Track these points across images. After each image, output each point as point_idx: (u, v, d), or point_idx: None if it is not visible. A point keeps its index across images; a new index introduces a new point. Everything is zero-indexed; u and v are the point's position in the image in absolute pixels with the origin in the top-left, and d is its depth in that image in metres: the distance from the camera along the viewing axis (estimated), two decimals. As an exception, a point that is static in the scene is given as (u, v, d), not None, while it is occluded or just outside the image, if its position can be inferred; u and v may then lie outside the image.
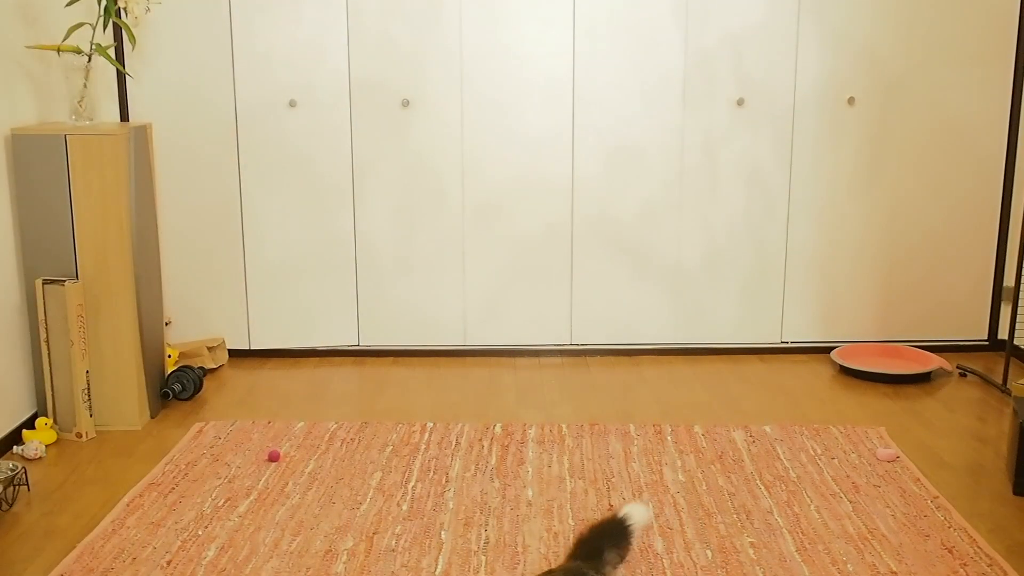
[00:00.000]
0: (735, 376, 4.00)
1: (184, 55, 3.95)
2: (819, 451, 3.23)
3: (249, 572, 2.50)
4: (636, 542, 2.51)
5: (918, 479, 3.01)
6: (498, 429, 3.41)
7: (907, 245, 4.22)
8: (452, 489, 2.96)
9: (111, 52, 3.81)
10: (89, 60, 3.42)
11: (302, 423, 3.47)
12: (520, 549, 2.61)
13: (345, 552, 2.60)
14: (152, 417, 3.57)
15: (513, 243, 4.17)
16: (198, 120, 4.00)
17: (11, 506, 2.85)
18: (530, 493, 2.93)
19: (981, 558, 2.56)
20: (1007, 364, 3.81)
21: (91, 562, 2.54)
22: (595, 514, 2.79)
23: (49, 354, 3.35)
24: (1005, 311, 4.25)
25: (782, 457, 3.19)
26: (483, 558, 2.56)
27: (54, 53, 3.58)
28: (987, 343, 4.29)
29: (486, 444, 3.29)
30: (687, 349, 4.27)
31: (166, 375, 3.71)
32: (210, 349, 4.07)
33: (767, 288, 4.24)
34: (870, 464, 3.13)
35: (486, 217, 4.15)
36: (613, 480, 3.02)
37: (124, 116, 3.98)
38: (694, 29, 4.01)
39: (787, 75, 4.05)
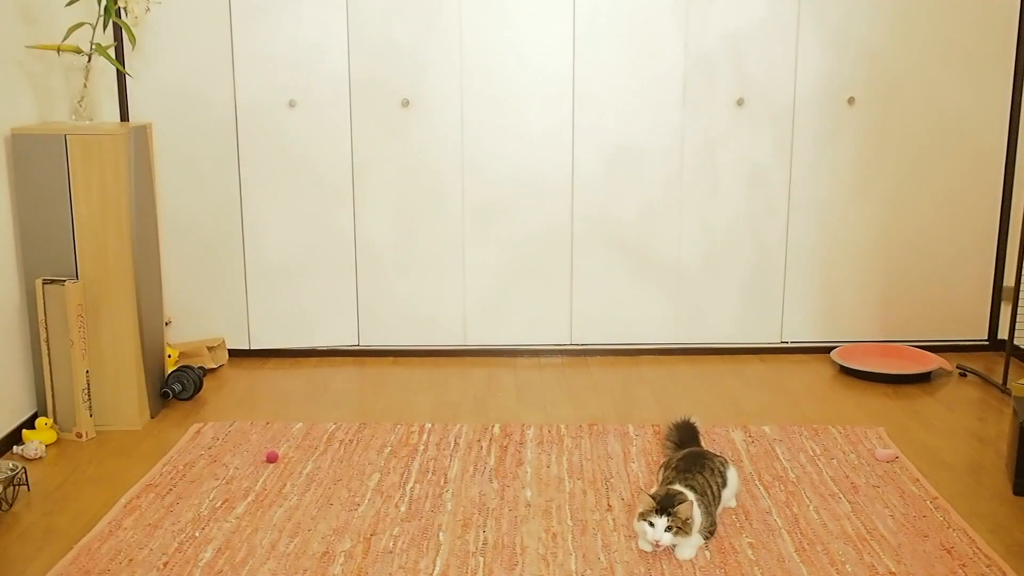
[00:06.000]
0: (735, 376, 4.00)
1: (184, 55, 3.95)
2: (818, 451, 3.23)
3: (246, 574, 2.50)
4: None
5: (917, 479, 3.01)
6: (497, 430, 3.41)
7: (907, 245, 4.22)
8: (450, 490, 2.96)
9: (111, 52, 3.82)
10: (89, 60, 3.42)
11: (300, 424, 3.47)
12: (518, 550, 2.61)
13: (343, 554, 2.60)
14: (152, 417, 3.58)
15: (513, 243, 4.17)
16: (198, 120, 4.00)
17: (11, 506, 2.86)
18: (529, 494, 2.93)
19: (980, 558, 2.55)
20: (1007, 364, 3.81)
21: (88, 564, 2.54)
22: (594, 515, 2.79)
23: (49, 354, 3.35)
24: (1005, 311, 4.24)
25: (781, 457, 3.18)
26: (481, 559, 2.56)
27: (54, 53, 3.58)
28: (987, 343, 4.29)
29: (485, 445, 3.29)
30: (687, 349, 4.27)
31: (166, 375, 3.72)
32: (210, 349, 4.08)
33: (767, 288, 4.24)
34: (869, 464, 3.13)
35: (486, 217, 4.14)
36: (612, 480, 3.02)
37: (124, 116, 3.98)
38: (694, 29, 4.01)
39: (787, 75, 4.05)
